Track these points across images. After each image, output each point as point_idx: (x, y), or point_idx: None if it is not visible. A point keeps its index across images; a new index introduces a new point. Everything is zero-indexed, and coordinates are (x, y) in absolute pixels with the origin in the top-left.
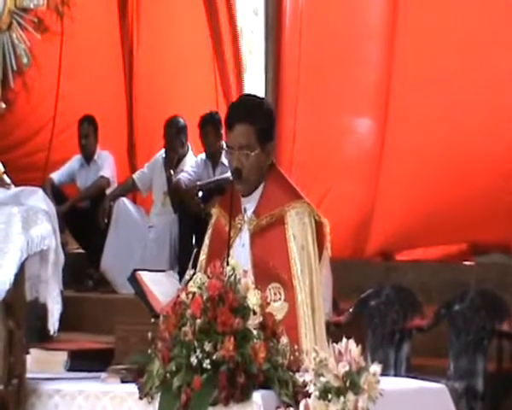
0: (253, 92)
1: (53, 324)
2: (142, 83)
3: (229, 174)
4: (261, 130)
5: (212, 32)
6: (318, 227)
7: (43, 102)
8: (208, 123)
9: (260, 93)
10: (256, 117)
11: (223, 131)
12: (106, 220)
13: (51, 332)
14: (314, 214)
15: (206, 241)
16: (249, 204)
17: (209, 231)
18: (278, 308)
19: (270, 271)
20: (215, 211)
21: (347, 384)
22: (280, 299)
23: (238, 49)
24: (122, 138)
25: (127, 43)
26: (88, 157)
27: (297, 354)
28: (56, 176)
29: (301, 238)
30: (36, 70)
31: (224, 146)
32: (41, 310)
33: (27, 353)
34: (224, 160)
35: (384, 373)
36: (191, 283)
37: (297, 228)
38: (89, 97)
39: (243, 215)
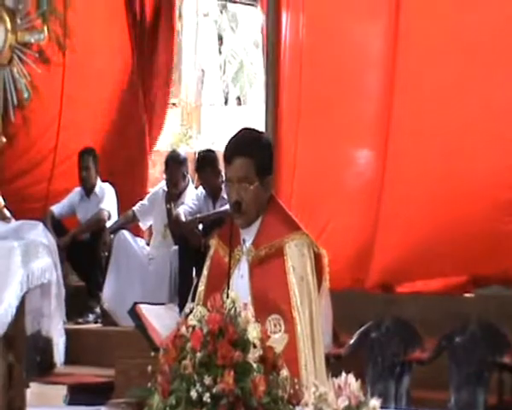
0: (253, 125)
1: (59, 356)
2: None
3: (228, 207)
4: (260, 163)
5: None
6: (317, 259)
7: (44, 134)
8: (205, 163)
9: (261, 125)
10: (255, 151)
11: (221, 167)
12: (106, 253)
13: (58, 364)
14: (313, 246)
15: (205, 272)
16: (248, 235)
17: (207, 263)
18: (278, 340)
19: (269, 302)
20: (213, 242)
21: None
22: (280, 330)
23: None
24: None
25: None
26: (88, 189)
27: (297, 387)
28: (57, 209)
29: (300, 270)
30: (38, 101)
31: (224, 179)
32: (41, 343)
33: (27, 387)
34: (224, 194)
35: (384, 406)
36: (191, 316)
37: (296, 259)
38: (91, 128)
39: (242, 246)
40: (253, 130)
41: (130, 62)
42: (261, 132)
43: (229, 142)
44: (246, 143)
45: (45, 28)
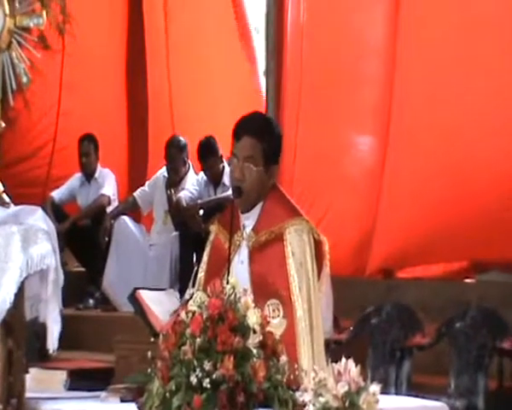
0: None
1: (52, 343)
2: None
3: (229, 193)
4: (268, 149)
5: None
6: (317, 245)
7: (44, 118)
8: (206, 150)
9: (261, 111)
10: (266, 136)
11: (221, 153)
12: (106, 239)
13: (50, 351)
14: (313, 232)
15: (205, 258)
16: (248, 221)
17: (208, 249)
18: (277, 325)
19: (268, 287)
20: (214, 228)
21: (346, 405)
22: (278, 316)
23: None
24: (123, 155)
25: (136, 60)
26: (89, 175)
27: (296, 372)
28: (57, 194)
29: (300, 255)
30: (37, 86)
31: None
32: (40, 329)
33: (27, 372)
34: (226, 180)
35: (385, 391)
36: (191, 302)
37: (296, 245)
38: (90, 114)
39: (242, 232)
40: (267, 116)
41: (131, 47)
42: (274, 121)
43: (242, 119)
44: (258, 125)
45: (44, 13)
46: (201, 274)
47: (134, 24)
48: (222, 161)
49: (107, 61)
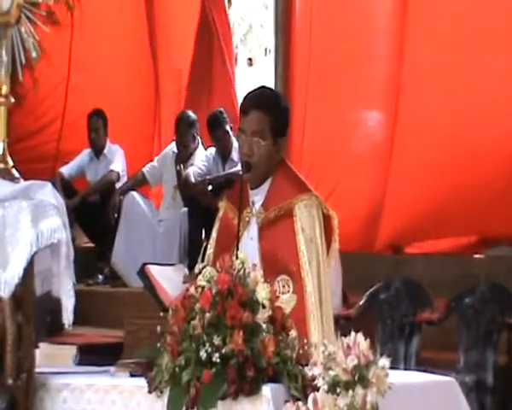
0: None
1: (67, 317)
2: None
3: (238, 168)
4: (275, 122)
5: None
6: (326, 220)
7: (53, 94)
8: (215, 123)
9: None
10: (273, 109)
11: (229, 128)
12: (116, 214)
13: (66, 326)
14: (322, 207)
15: (214, 235)
16: (257, 197)
17: (216, 225)
18: (287, 300)
19: (278, 263)
20: (222, 204)
21: (356, 378)
22: (288, 291)
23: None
24: (132, 130)
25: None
26: (98, 151)
27: (306, 347)
28: (66, 170)
29: (309, 231)
30: (46, 61)
31: (235, 136)
32: (50, 304)
33: (36, 347)
34: (234, 156)
35: (394, 367)
36: (200, 276)
37: (305, 220)
38: (99, 89)
39: (251, 208)
40: (274, 90)
41: (141, 24)
42: (281, 95)
43: (249, 94)
44: (265, 99)
45: None
46: (210, 251)
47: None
48: (230, 135)
49: (115, 36)
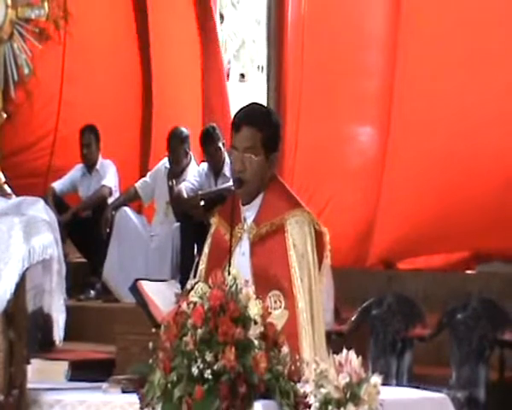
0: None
1: (58, 333)
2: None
3: (230, 183)
4: (267, 138)
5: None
6: (318, 236)
7: (45, 109)
8: (208, 139)
9: (262, 102)
10: (264, 125)
11: (221, 144)
12: (108, 230)
13: (57, 342)
14: (314, 223)
15: (206, 250)
16: (249, 213)
17: (208, 241)
18: (278, 316)
19: (270, 279)
20: (214, 220)
21: (348, 396)
22: (280, 307)
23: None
24: (125, 145)
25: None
26: (90, 166)
27: (298, 363)
28: (58, 185)
29: (301, 247)
30: (38, 77)
31: (227, 152)
32: (42, 320)
33: (28, 363)
34: (227, 171)
35: (386, 383)
36: (192, 292)
37: (297, 236)
38: (92, 104)
39: (243, 224)
40: (264, 106)
41: (133, 39)
42: (271, 110)
43: (240, 111)
44: (256, 115)
45: (46, 4)
46: (202, 266)
47: (137, 14)
48: (222, 151)
49: (108, 51)
